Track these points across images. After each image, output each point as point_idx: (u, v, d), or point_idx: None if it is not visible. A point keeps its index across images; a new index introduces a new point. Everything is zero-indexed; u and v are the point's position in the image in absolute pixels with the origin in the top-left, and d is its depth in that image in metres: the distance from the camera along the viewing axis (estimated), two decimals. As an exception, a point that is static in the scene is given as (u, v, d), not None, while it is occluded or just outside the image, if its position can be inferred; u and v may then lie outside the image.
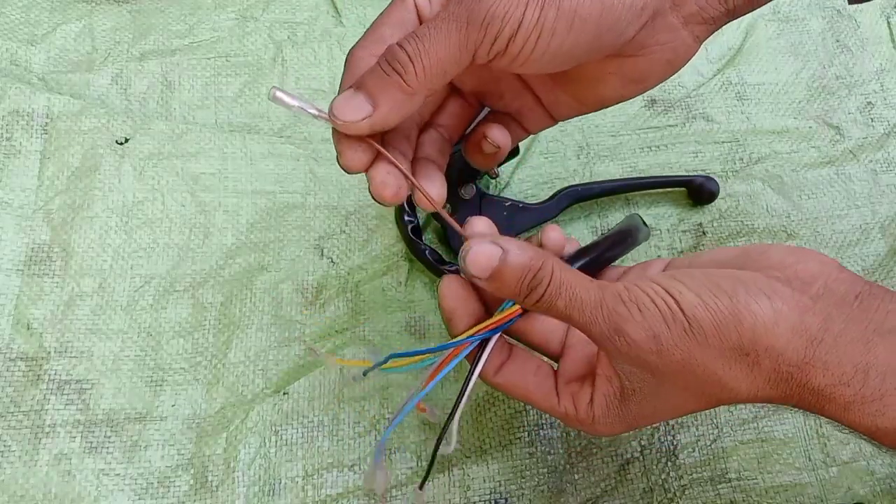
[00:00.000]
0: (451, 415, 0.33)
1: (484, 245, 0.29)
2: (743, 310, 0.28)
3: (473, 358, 0.34)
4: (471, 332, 0.33)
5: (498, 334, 0.34)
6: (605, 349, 0.31)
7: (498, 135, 0.33)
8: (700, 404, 0.31)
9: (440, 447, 0.34)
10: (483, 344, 0.34)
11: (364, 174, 0.31)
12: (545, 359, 0.36)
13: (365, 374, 0.37)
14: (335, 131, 0.30)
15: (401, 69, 0.28)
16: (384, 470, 0.38)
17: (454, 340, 0.33)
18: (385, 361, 0.35)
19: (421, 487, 0.36)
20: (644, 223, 0.40)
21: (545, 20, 0.27)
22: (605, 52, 0.30)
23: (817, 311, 0.28)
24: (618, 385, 0.32)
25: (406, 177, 0.31)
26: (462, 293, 0.34)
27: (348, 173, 0.31)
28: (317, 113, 0.30)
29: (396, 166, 0.31)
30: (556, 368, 0.36)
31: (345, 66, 0.31)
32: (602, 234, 0.38)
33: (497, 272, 0.29)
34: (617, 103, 0.35)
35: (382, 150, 0.31)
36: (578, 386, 0.33)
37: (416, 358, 0.34)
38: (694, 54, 0.33)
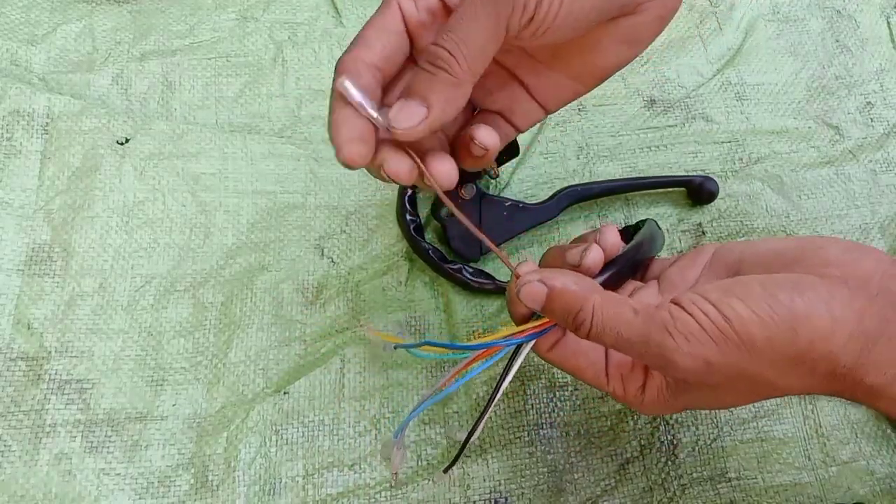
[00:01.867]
0: (486, 409, 0.35)
1: (532, 285, 0.32)
2: (802, 321, 0.28)
3: (510, 360, 0.35)
4: (506, 334, 0.34)
5: (533, 341, 0.34)
6: (656, 368, 0.33)
7: (485, 136, 0.33)
8: (751, 400, 0.33)
9: (456, 431, 0.37)
10: (517, 349, 0.34)
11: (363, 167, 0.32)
12: None
13: (395, 347, 0.38)
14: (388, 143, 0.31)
15: (445, 64, 0.29)
16: (403, 449, 0.39)
17: (489, 341, 0.34)
18: (418, 345, 0.36)
19: (445, 472, 0.40)
20: (659, 228, 0.41)
21: None
22: (613, 12, 0.31)
23: (874, 314, 0.28)
24: (669, 381, 0.33)
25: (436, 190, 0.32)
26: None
27: (391, 181, 0.31)
28: (375, 116, 0.30)
29: (421, 168, 0.31)
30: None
31: (335, 72, 0.31)
32: (625, 247, 0.38)
33: (545, 307, 0.32)
34: (612, 73, 0.35)
35: (416, 158, 0.31)
36: (629, 370, 0.35)
37: (449, 350, 0.35)
38: (679, 7, 0.34)
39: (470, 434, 0.36)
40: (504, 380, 0.34)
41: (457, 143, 0.36)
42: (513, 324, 0.35)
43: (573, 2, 0.29)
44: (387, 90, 0.33)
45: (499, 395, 0.35)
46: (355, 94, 0.29)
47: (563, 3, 0.29)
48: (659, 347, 0.29)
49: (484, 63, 0.29)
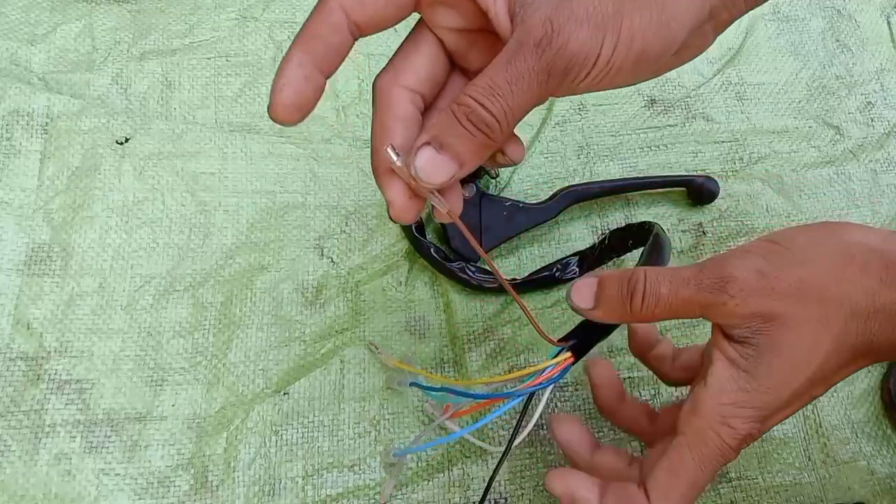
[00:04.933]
0: (501, 461, 0.35)
1: (582, 280, 0.32)
2: (837, 229, 0.30)
3: (524, 408, 0.34)
4: (519, 374, 0.33)
5: (551, 387, 0.33)
6: (717, 314, 0.30)
7: (516, 150, 0.32)
8: (828, 341, 0.29)
9: (492, 483, 0.36)
10: (533, 397, 0.34)
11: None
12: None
13: (411, 384, 0.39)
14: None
15: (488, 131, 0.27)
16: (397, 477, 0.40)
17: (508, 391, 0.33)
18: (437, 391, 0.36)
19: None
20: (665, 233, 0.41)
21: (617, 57, 0.27)
22: (670, 53, 0.30)
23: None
24: (739, 357, 0.30)
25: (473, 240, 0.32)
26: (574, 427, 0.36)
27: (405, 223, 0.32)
28: (409, 174, 0.29)
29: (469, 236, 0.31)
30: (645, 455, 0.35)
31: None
32: (640, 259, 0.38)
33: (598, 295, 0.32)
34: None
35: (463, 226, 0.31)
36: (689, 401, 0.32)
37: (465, 401, 0.35)
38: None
39: (490, 482, 0.37)
40: (517, 433, 0.34)
41: None
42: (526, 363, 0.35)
43: (617, 77, 0.27)
44: (431, 106, 0.32)
45: (518, 441, 0.34)
46: (396, 160, 0.28)
47: (606, 79, 0.27)
48: (715, 268, 0.30)
49: (517, 123, 0.29)
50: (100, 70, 0.52)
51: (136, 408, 0.43)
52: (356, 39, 0.29)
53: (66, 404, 0.43)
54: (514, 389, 0.33)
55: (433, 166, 0.28)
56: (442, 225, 0.49)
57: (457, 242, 0.48)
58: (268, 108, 0.28)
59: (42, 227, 0.47)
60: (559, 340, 0.33)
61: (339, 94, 0.54)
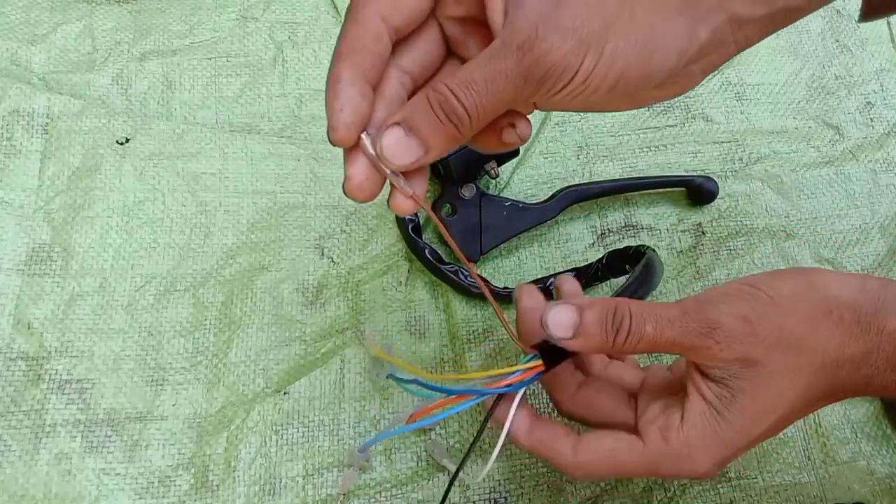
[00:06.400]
0: (470, 449, 0.34)
1: (560, 307, 0.31)
2: (816, 279, 0.31)
3: (492, 408, 0.33)
4: (488, 373, 0.33)
5: (522, 390, 0.33)
6: (700, 356, 0.30)
7: (526, 127, 0.32)
8: (798, 389, 0.30)
9: (458, 476, 0.34)
10: (505, 399, 0.33)
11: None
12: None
13: (388, 377, 0.37)
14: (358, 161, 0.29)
15: (457, 121, 0.27)
16: (357, 470, 0.40)
17: (476, 388, 0.33)
18: (409, 382, 0.34)
19: None
20: (657, 256, 0.40)
21: (596, 76, 0.27)
22: (659, 80, 0.30)
23: (875, 280, 0.31)
24: (713, 397, 0.31)
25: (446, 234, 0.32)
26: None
27: (356, 200, 0.30)
28: (372, 154, 0.29)
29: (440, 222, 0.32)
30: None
31: (350, 19, 0.28)
32: (626, 280, 0.38)
33: (579, 327, 0.30)
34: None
35: (432, 214, 0.32)
36: (664, 418, 0.32)
37: (435, 394, 0.34)
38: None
39: (455, 474, 0.35)
40: (501, 437, 0.33)
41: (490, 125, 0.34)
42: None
43: (593, 97, 0.27)
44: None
45: (496, 453, 0.33)
46: (366, 140, 0.28)
47: (581, 97, 0.27)
48: (700, 313, 0.30)
49: (487, 123, 0.29)
50: (100, 70, 0.52)
51: (137, 407, 0.43)
52: (394, 45, 0.29)
53: (67, 404, 0.43)
54: (483, 388, 0.33)
55: (400, 148, 0.28)
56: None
57: (456, 243, 0.48)
58: (328, 131, 0.28)
59: (42, 227, 0.47)
60: (532, 347, 0.33)
61: (340, 95, 0.54)
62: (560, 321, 0.30)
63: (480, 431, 0.34)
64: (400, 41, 0.29)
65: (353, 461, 0.42)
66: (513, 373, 0.32)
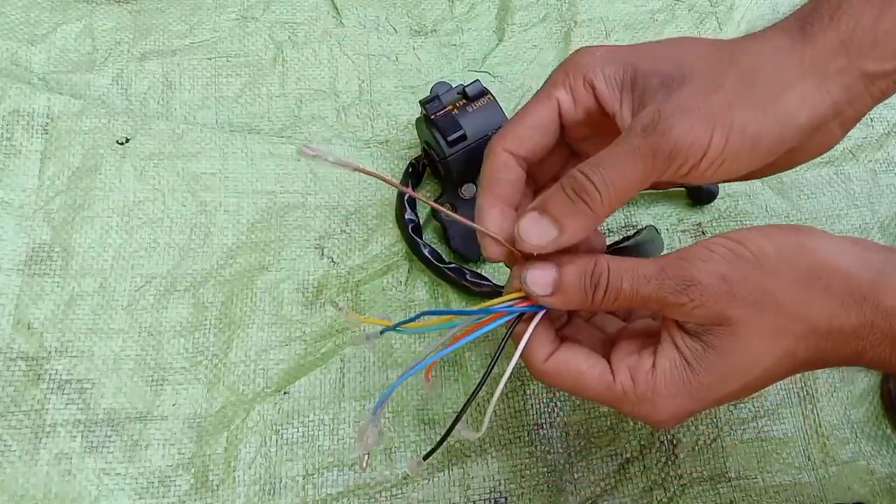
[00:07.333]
0: (474, 393, 0.32)
1: (539, 265, 0.31)
2: (808, 241, 0.30)
3: (510, 329, 0.32)
4: (508, 299, 0.32)
5: (543, 311, 0.32)
6: (674, 313, 0.30)
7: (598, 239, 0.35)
8: (776, 353, 0.30)
9: (461, 429, 0.33)
10: (525, 318, 0.32)
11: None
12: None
13: (382, 331, 0.35)
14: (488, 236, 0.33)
15: (588, 198, 0.29)
16: (378, 428, 0.36)
17: (493, 306, 0.32)
18: (415, 319, 0.34)
19: (425, 459, 0.35)
20: (658, 233, 0.40)
21: (730, 147, 0.28)
22: (776, 155, 0.31)
23: (878, 248, 0.30)
24: (685, 347, 0.30)
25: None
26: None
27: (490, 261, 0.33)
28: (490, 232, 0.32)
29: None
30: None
31: (486, 157, 0.34)
32: (620, 243, 0.38)
33: (559, 284, 0.31)
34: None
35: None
36: (636, 358, 0.31)
37: (449, 317, 0.34)
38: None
39: (456, 419, 0.33)
40: (512, 358, 0.32)
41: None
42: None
43: (733, 164, 0.29)
44: (531, 174, 0.35)
45: (503, 385, 0.32)
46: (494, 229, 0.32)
47: (722, 167, 0.29)
48: (677, 270, 0.29)
49: (622, 203, 0.30)
50: (100, 70, 0.52)
51: (137, 407, 0.43)
52: (528, 167, 0.34)
53: (67, 404, 0.43)
54: (502, 305, 0.32)
55: (533, 227, 0.30)
56: (442, 225, 0.49)
57: (456, 244, 0.48)
58: (483, 249, 0.33)
59: (42, 227, 0.47)
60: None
61: (340, 95, 0.54)
62: (538, 278, 0.31)
63: (494, 359, 0.32)
64: (534, 164, 0.34)
65: (367, 429, 0.37)
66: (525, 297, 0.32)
